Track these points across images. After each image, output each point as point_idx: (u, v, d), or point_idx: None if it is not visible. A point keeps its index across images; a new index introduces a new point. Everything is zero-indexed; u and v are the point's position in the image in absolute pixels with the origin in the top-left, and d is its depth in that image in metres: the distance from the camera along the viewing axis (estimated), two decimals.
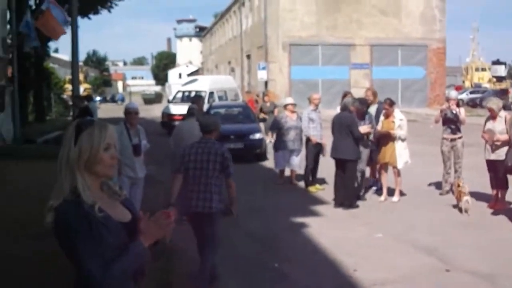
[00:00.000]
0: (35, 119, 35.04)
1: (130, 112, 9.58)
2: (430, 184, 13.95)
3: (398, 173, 12.39)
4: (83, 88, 64.56)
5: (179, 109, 24.83)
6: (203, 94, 28.89)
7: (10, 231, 9.47)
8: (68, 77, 37.97)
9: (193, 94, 29.36)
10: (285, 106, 14.92)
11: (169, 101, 34.21)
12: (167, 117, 28.78)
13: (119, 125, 9.70)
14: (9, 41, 22.04)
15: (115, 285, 2.92)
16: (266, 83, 43.23)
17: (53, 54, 61.31)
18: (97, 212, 2.92)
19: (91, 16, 38.95)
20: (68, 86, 40.76)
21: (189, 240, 7.95)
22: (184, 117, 11.37)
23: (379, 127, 12.50)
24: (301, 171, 14.38)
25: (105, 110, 43.61)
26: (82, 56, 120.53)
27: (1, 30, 22.10)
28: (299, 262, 8.63)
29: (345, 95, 13.70)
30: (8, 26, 22.92)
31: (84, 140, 3.01)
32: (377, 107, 13.26)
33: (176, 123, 15.96)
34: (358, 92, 18.74)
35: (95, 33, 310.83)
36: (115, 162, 3.11)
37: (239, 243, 9.68)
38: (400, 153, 12.19)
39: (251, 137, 19.28)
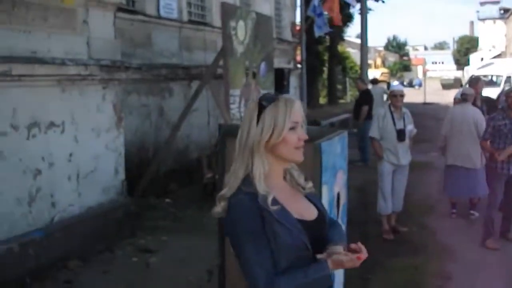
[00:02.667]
0: (328, 102, 35.78)
1: (395, 95, 9.04)
2: None
3: None
4: (380, 72, 65.01)
5: None
6: (499, 78, 27.09)
7: None
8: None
9: (488, 78, 27.54)
10: None
11: (461, 86, 32.69)
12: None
13: (382, 108, 9.34)
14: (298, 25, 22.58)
15: None
16: None
17: (354, 39, 62.45)
18: (270, 205, 2.51)
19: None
20: None
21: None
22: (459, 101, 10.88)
23: None
24: None
25: None
26: (382, 41, 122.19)
27: (290, 14, 22.76)
28: None
29: None
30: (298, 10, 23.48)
31: (267, 117, 2.59)
32: None
33: None
34: None
35: (395, 18, 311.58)
36: (302, 144, 2.66)
37: None
38: None
39: None
